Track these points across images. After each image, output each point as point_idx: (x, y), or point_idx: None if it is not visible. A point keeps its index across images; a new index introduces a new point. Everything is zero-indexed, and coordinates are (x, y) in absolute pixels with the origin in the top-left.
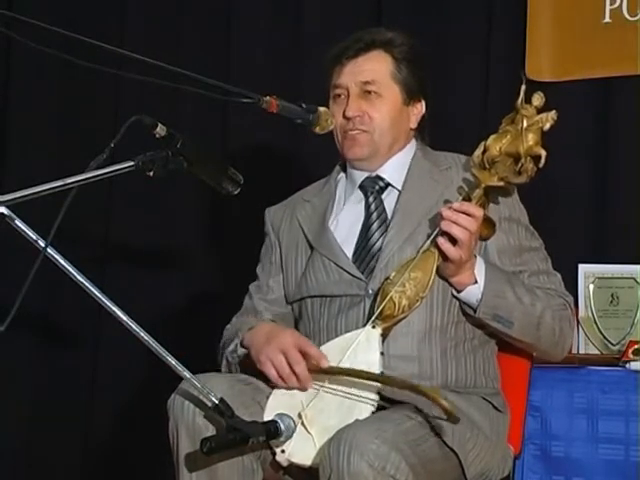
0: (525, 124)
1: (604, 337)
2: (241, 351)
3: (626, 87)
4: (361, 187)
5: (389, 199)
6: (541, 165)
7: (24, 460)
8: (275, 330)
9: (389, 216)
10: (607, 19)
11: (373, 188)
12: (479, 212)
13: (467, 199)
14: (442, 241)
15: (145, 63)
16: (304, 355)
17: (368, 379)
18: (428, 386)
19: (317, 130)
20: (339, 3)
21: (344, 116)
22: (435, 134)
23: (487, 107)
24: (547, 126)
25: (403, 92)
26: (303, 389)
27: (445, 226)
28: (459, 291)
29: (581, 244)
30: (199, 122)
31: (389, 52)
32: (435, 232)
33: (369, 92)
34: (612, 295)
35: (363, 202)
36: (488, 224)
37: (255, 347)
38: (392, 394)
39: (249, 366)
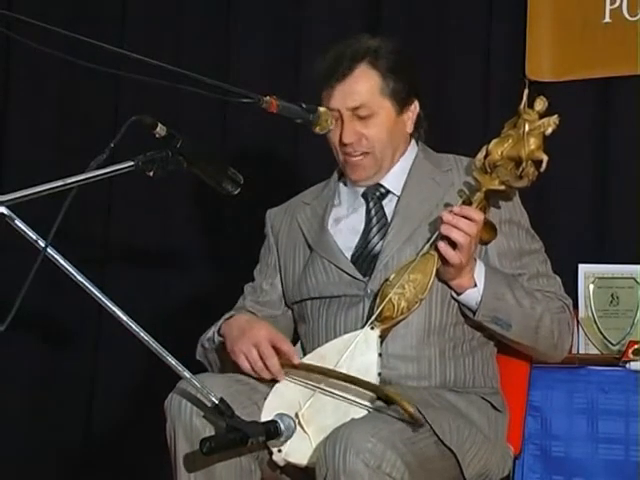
0: (527, 128)
1: (604, 337)
2: (217, 339)
3: (626, 87)
4: (362, 195)
5: (390, 205)
6: (542, 169)
7: (24, 459)
8: (250, 323)
9: (389, 220)
10: (607, 19)
11: (374, 194)
12: (479, 216)
13: (468, 202)
14: (443, 245)
15: (145, 63)
16: (277, 350)
17: (338, 378)
18: (426, 385)
19: (317, 130)
20: (339, 3)
21: (341, 142)
22: (435, 134)
23: (487, 107)
24: (549, 130)
25: (395, 104)
26: (276, 380)
27: (445, 230)
28: (459, 294)
29: (581, 244)
30: (199, 122)
31: (374, 66)
32: (435, 235)
33: (361, 115)
34: (612, 295)
35: (364, 208)
36: (489, 228)
37: (230, 338)
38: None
39: (225, 355)
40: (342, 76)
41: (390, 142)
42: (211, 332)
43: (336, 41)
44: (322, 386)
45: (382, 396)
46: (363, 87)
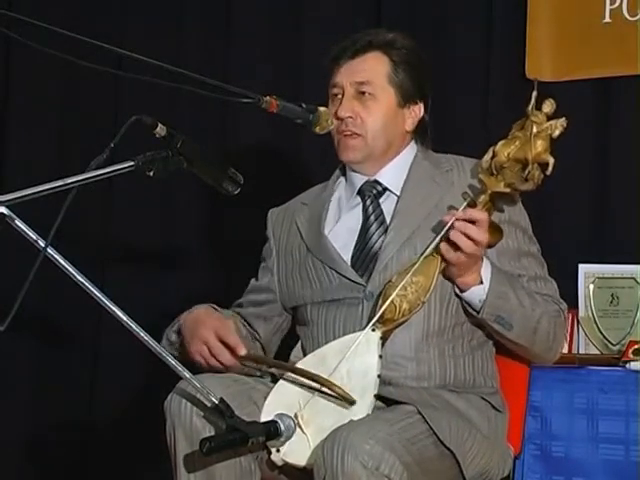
0: (534, 130)
1: (604, 337)
2: (174, 336)
3: (626, 87)
4: (359, 192)
5: (387, 203)
6: (549, 172)
7: (24, 460)
8: (196, 322)
9: (387, 219)
10: (607, 19)
11: (371, 192)
12: (485, 218)
13: (472, 204)
14: (444, 246)
15: (145, 63)
16: (225, 344)
17: (278, 367)
18: (426, 386)
19: (317, 130)
20: (339, 3)
21: (336, 116)
22: (435, 134)
23: (487, 107)
24: (556, 133)
25: (398, 95)
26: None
27: (454, 236)
28: (462, 291)
29: (581, 244)
30: (199, 122)
31: (387, 54)
32: (438, 238)
33: (363, 93)
34: (612, 295)
35: (360, 206)
36: (495, 231)
37: (185, 337)
38: (390, 394)
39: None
40: (353, 55)
41: (384, 132)
42: (177, 325)
43: (336, 41)
44: (323, 388)
45: (315, 381)
46: (372, 67)
